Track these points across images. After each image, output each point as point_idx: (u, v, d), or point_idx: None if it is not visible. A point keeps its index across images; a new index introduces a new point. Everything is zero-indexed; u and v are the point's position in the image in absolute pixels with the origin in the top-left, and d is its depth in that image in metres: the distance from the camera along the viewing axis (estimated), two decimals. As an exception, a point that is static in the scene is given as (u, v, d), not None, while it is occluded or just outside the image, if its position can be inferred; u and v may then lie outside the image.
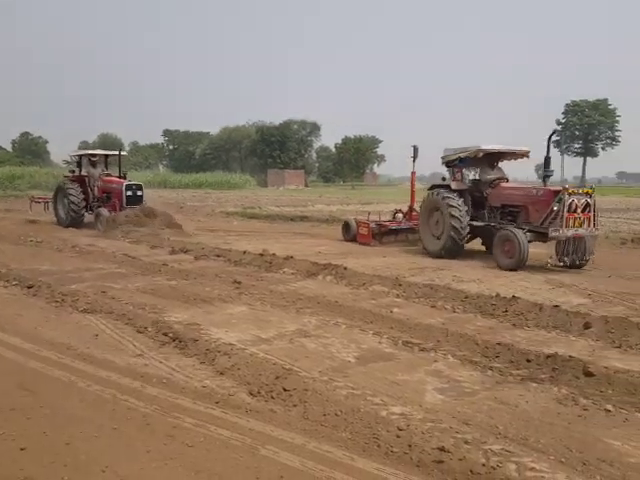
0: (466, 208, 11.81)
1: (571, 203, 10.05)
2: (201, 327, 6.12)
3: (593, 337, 5.99)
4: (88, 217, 17.98)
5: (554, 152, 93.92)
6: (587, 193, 10.34)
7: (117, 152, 18.36)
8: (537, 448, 3.52)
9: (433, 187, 12.65)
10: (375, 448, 3.54)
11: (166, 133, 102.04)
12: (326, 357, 5.26)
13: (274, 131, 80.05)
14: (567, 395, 4.39)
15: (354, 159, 74.48)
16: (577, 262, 10.41)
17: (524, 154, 12.35)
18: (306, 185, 70.31)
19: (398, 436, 3.65)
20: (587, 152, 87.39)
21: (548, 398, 4.35)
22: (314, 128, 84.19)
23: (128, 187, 17.01)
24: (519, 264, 10.12)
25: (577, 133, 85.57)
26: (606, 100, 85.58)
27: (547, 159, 11.05)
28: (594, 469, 3.29)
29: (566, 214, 9.97)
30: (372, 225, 13.91)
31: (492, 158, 12.31)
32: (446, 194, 11.93)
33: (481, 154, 11.88)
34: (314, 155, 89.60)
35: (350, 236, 14.30)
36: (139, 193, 17.22)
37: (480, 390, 4.52)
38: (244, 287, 8.22)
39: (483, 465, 3.28)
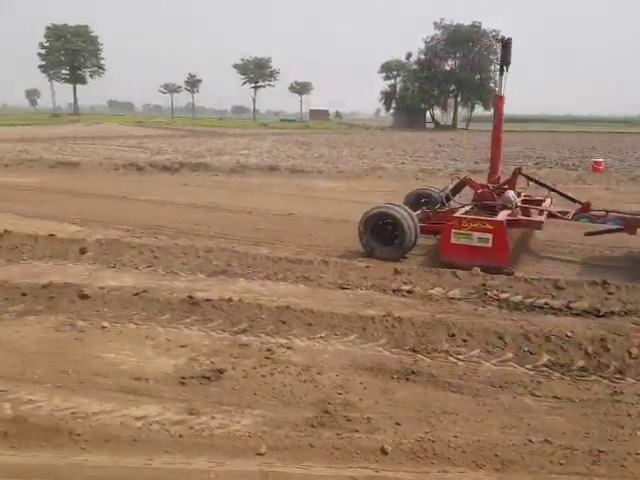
0: None
1: None
2: None
3: (90, 261, 6.22)
4: None
5: (41, 78, 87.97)
6: None
7: None
8: (33, 380, 3.50)
9: None
10: None
11: None
12: None
13: None
14: (64, 321, 4.47)
15: None
16: None
17: None
18: None
19: None
20: (76, 79, 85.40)
21: (45, 328, 4.34)
22: None
23: None
24: None
25: (63, 59, 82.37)
26: (87, 27, 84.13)
27: None
28: (91, 385, 3.48)
29: None
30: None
31: None
32: None
33: None
34: None
35: (401, 249, 6.63)
36: None
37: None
38: None
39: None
